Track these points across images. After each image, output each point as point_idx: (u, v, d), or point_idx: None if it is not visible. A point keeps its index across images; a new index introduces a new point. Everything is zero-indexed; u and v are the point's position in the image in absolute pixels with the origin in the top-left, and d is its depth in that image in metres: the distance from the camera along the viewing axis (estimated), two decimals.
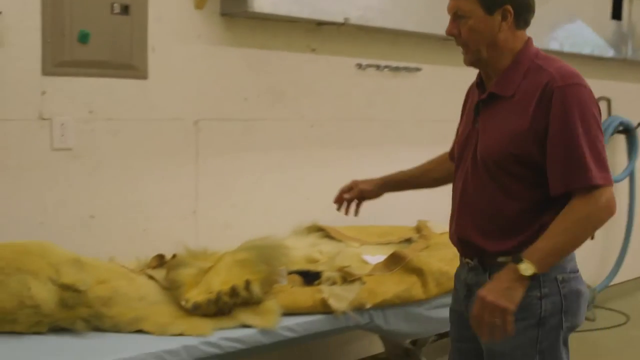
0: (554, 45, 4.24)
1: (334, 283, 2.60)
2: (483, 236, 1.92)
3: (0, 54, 2.49)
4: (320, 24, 3.27)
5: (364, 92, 3.57)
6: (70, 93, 2.66)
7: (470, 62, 1.94)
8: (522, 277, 1.75)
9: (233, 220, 3.12)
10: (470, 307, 1.98)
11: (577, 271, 1.93)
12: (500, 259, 1.89)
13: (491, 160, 1.88)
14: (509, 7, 1.86)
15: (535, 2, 1.93)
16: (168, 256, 2.59)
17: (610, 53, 4.75)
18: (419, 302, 2.67)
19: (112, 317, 2.24)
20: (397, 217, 3.49)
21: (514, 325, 1.79)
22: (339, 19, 3.18)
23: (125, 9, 2.73)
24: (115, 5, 2.70)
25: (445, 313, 2.20)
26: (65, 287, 2.19)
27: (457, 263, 2.09)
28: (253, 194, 3.20)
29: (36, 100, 2.59)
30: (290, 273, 2.64)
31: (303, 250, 2.93)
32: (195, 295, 2.31)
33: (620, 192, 5.07)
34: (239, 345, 2.27)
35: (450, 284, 2.17)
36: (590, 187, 1.76)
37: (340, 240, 3.14)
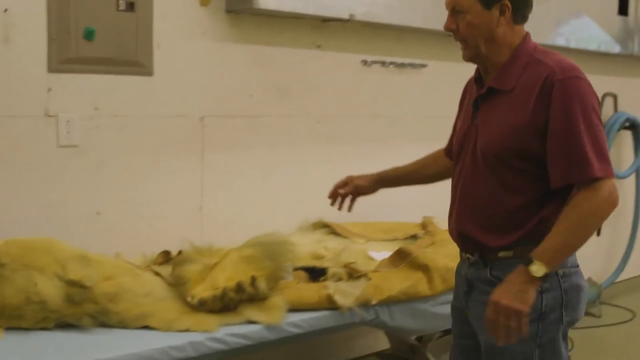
0: (560, 41, 4.23)
1: (339, 279, 2.60)
2: (483, 231, 1.92)
3: (6, 51, 2.50)
4: (325, 20, 3.27)
5: (369, 88, 3.57)
6: (76, 90, 2.66)
7: (469, 57, 1.95)
8: (533, 279, 1.76)
9: (238, 216, 3.13)
10: (470, 303, 1.99)
11: (578, 266, 1.94)
12: (501, 254, 1.90)
13: (491, 155, 1.88)
14: (507, 2, 1.87)
15: None
16: (174, 252, 2.59)
17: (616, 49, 4.73)
18: (424, 299, 2.66)
19: (118, 313, 2.24)
20: (402, 214, 3.49)
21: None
22: (345, 15, 3.18)
23: (130, 6, 2.73)
24: (121, 2, 2.71)
25: None
26: (71, 283, 2.19)
27: None
28: (258, 191, 3.20)
29: (42, 97, 2.59)
30: (295, 269, 2.64)
31: (309, 247, 2.93)
32: (201, 291, 2.31)
33: (626, 188, 5.05)
34: (244, 341, 2.27)
35: None
36: (591, 180, 1.76)
37: (345, 237, 3.14)
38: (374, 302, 2.54)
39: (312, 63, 3.33)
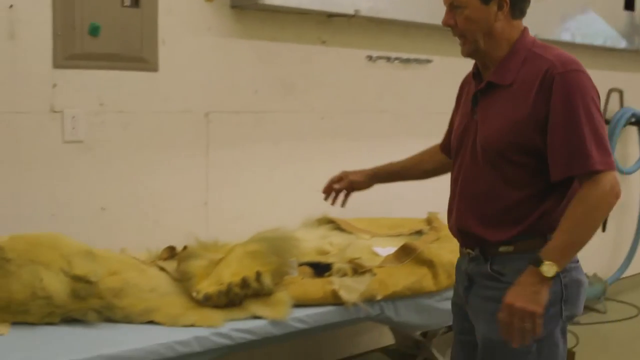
0: (566, 37, 4.22)
1: (344, 275, 2.60)
2: (484, 226, 1.92)
3: (12, 47, 2.51)
4: (330, 15, 3.26)
5: (374, 84, 3.57)
6: (81, 86, 2.67)
7: (467, 52, 1.95)
8: (545, 279, 1.77)
9: (243, 212, 3.13)
10: (470, 298, 1.99)
11: (578, 261, 1.94)
12: (502, 249, 1.90)
13: (492, 150, 1.88)
14: None
15: None
16: (179, 248, 2.60)
17: (622, 44, 4.71)
18: (429, 294, 2.66)
19: (124, 308, 2.25)
20: (407, 209, 3.48)
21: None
22: (350, 10, 3.17)
23: (135, 2, 2.73)
24: None
25: None
26: (77, 279, 2.20)
27: None
28: (263, 186, 3.20)
29: (47, 93, 2.60)
30: (300, 265, 2.65)
31: (313, 242, 2.93)
32: (206, 286, 2.32)
33: (632, 184, 5.04)
34: (249, 336, 2.28)
35: None
36: (592, 173, 1.76)
37: (350, 232, 3.14)
38: (379, 297, 2.54)
39: (317, 59, 3.33)
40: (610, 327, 4.37)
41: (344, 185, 2.39)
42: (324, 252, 2.87)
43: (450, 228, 2.06)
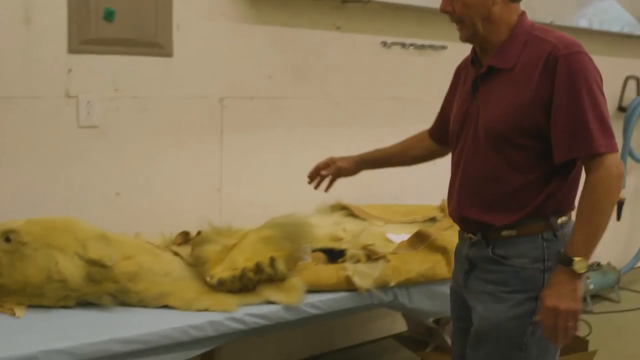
0: (583, 23, 4.17)
1: (358, 261, 2.60)
2: (487, 210, 1.92)
3: (27, 32, 2.51)
4: (345, 1, 3.25)
5: (389, 70, 3.55)
6: (96, 71, 2.67)
7: (466, 37, 1.94)
8: (578, 275, 1.78)
9: (257, 197, 3.14)
10: (470, 281, 2.00)
11: None
12: (504, 233, 1.90)
13: (495, 134, 1.87)
14: None
15: None
16: (193, 233, 2.61)
17: None
18: (443, 281, 2.66)
19: (138, 292, 2.26)
20: (421, 196, 3.48)
21: (517, 297, 1.85)
22: None
23: None
24: None
25: None
26: (92, 262, 2.21)
27: None
28: (277, 172, 3.20)
29: (62, 78, 2.61)
30: (314, 251, 2.65)
31: (327, 229, 2.93)
32: (220, 271, 2.32)
33: None
34: (263, 321, 2.29)
35: None
36: (594, 155, 1.77)
37: (364, 219, 3.13)
38: (392, 284, 2.54)
39: (332, 44, 3.32)
40: (624, 316, 4.35)
41: (331, 172, 2.40)
42: (338, 239, 2.87)
43: (451, 213, 2.06)
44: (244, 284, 2.31)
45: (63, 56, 2.59)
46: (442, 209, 3.29)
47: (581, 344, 3.19)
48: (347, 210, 3.21)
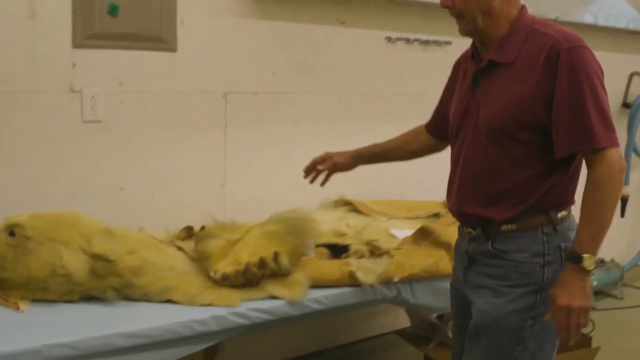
0: (588, 19, 4.15)
1: (361, 256, 2.60)
2: (487, 205, 1.91)
3: (32, 27, 2.51)
4: None
5: (393, 65, 3.54)
6: (100, 65, 2.67)
7: (465, 31, 1.93)
8: (587, 272, 1.78)
9: (261, 192, 3.14)
10: (470, 276, 2.00)
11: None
12: (504, 227, 1.90)
13: (496, 129, 1.86)
14: None
15: None
16: (196, 228, 2.61)
17: None
18: (446, 277, 2.63)
19: (142, 286, 2.27)
20: (424, 192, 3.47)
21: (517, 291, 1.86)
22: None
23: None
24: None
25: None
26: (96, 257, 2.21)
27: None
28: (281, 167, 3.20)
29: (67, 73, 2.61)
30: (317, 246, 2.65)
31: (330, 224, 2.93)
32: (224, 266, 2.32)
33: None
34: (266, 316, 2.29)
35: None
36: (596, 150, 1.77)
37: (367, 215, 3.13)
38: (396, 279, 2.54)
39: (336, 40, 3.32)
40: (627, 313, 4.35)
41: (327, 167, 2.41)
42: (341, 234, 2.87)
43: (451, 208, 2.06)
44: (248, 279, 2.31)
45: (67, 51, 2.59)
46: (445, 205, 3.28)
47: (584, 340, 3.18)
48: (350, 206, 3.20)
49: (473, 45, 2.00)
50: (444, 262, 2.64)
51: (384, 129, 3.44)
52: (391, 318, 3.72)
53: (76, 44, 2.60)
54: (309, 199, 3.06)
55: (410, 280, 2.58)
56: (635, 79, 4.78)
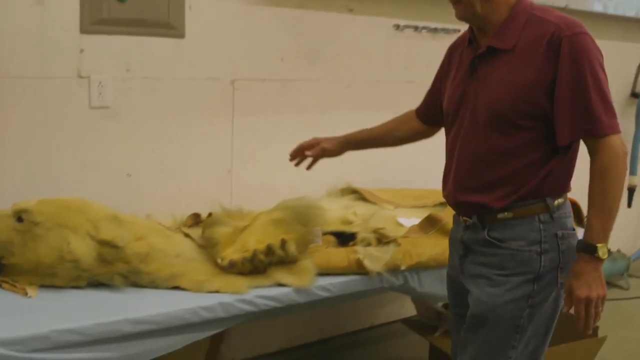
0: (597, 7, 4.13)
1: (369, 244, 2.59)
2: (484, 193, 1.90)
3: (40, 12, 2.50)
4: None
5: (401, 53, 3.53)
6: (108, 51, 2.66)
7: (461, 16, 1.90)
8: (602, 261, 1.79)
9: (268, 180, 3.13)
10: (465, 266, 2.00)
11: (574, 229, 1.95)
12: (500, 215, 1.89)
13: (495, 115, 1.85)
14: None
15: None
16: (204, 215, 2.61)
17: None
18: None
19: (150, 273, 2.27)
20: (432, 181, 3.46)
21: (514, 280, 1.86)
22: None
23: None
24: None
25: None
26: (103, 243, 2.21)
27: None
28: (288, 154, 3.19)
29: (74, 59, 2.60)
30: (324, 234, 2.64)
31: (337, 212, 2.93)
32: (231, 253, 2.33)
33: None
34: (273, 304, 2.29)
35: None
36: (599, 137, 1.77)
37: (374, 203, 3.13)
38: (403, 267, 2.54)
39: (344, 27, 3.30)
40: (633, 303, 4.34)
41: (315, 153, 2.41)
42: (348, 222, 2.87)
43: (446, 197, 2.05)
44: (255, 266, 2.31)
45: (75, 36, 2.58)
46: None
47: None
48: (357, 194, 3.20)
49: (470, 30, 1.97)
50: None
51: (391, 117, 3.45)
52: (397, 307, 3.72)
53: (84, 30, 2.59)
54: (316, 186, 3.06)
55: (418, 268, 2.58)
56: None
